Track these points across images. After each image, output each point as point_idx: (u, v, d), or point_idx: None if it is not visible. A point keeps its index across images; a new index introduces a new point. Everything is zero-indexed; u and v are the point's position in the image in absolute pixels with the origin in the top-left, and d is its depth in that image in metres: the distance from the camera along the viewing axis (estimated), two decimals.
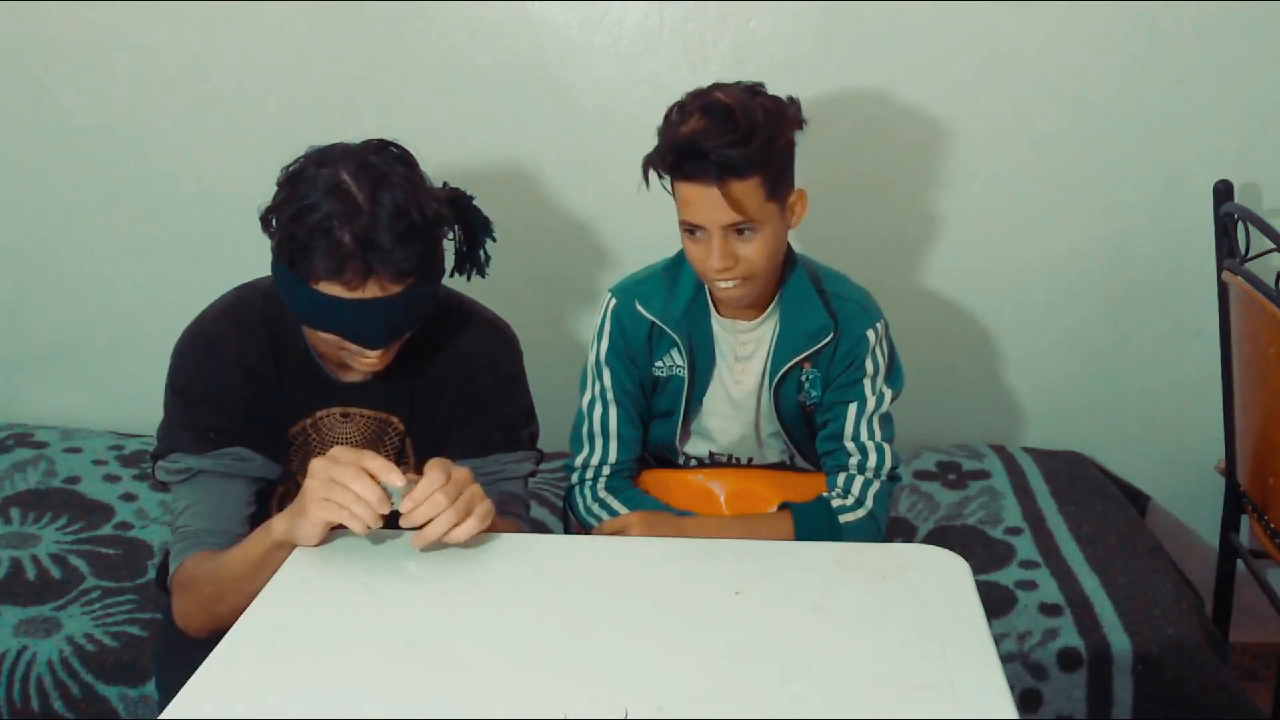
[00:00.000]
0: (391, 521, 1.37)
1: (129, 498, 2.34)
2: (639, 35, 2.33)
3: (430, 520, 1.33)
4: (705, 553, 1.44)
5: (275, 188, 1.48)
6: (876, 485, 1.78)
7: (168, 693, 1.36)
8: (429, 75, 2.37)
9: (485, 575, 1.35)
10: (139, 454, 2.48)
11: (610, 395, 1.81)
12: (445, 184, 1.57)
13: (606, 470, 1.83)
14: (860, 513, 1.77)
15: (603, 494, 1.82)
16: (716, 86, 1.66)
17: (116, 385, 2.63)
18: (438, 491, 1.33)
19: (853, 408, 1.77)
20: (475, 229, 1.60)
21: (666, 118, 1.66)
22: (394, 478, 1.33)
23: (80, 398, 2.63)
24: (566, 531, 1.99)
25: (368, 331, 1.47)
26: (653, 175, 1.67)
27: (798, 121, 1.68)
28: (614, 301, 1.82)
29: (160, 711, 1.14)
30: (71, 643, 1.91)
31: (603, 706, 1.11)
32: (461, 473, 1.38)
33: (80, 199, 2.50)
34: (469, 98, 2.37)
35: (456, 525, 1.34)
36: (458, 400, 1.65)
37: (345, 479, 1.32)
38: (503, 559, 1.38)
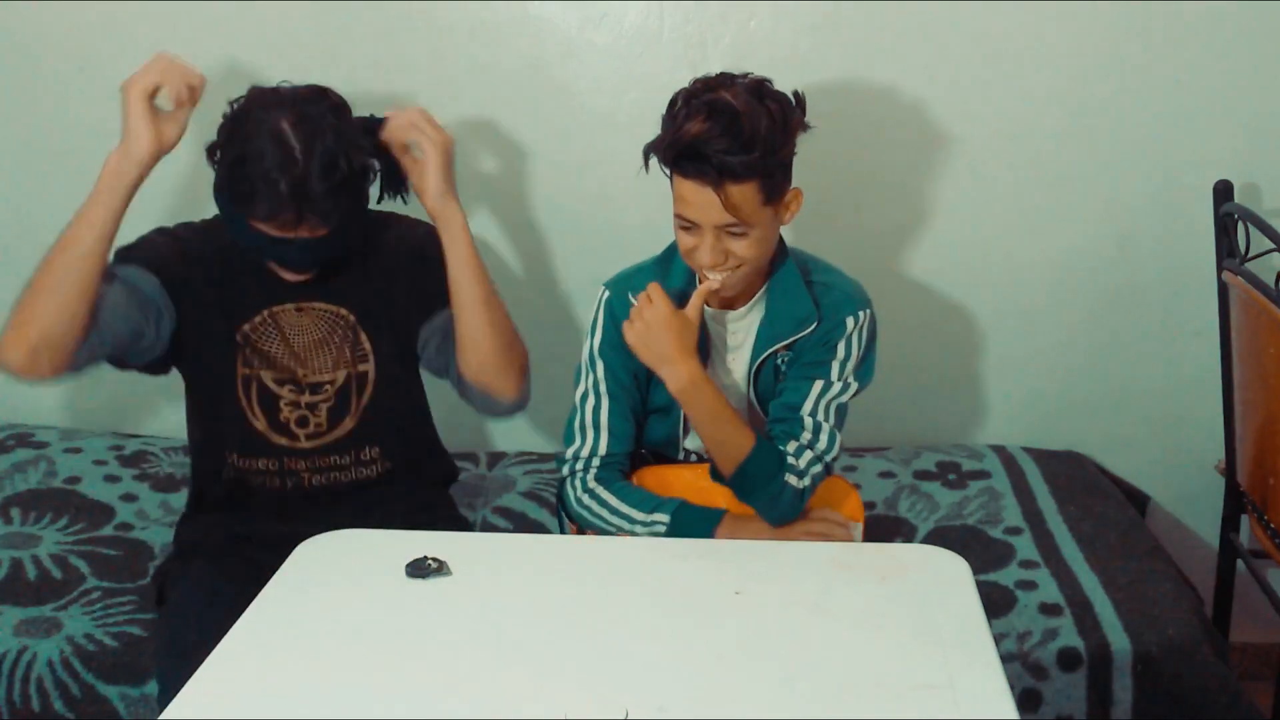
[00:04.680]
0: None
1: (129, 498, 2.34)
2: (639, 35, 2.33)
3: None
4: (705, 553, 1.44)
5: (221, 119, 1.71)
6: (818, 468, 1.77)
7: (167, 693, 1.36)
8: (429, 75, 2.36)
9: (485, 575, 1.35)
10: (139, 454, 2.48)
11: (603, 388, 1.82)
12: (371, 115, 1.78)
13: (596, 462, 1.82)
14: (801, 483, 1.74)
15: (592, 484, 1.81)
16: (723, 80, 1.66)
17: (116, 385, 2.62)
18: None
19: (818, 384, 1.77)
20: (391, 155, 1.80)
21: (671, 104, 1.67)
22: None
23: (80, 398, 2.63)
24: (560, 530, 1.98)
25: (296, 261, 1.73)
26: (652, 160, 1.68)
27: (801, 125, 1.68)
28: (607, 294, 1.82)
29: (160, 711, 1.15)
30: (72, 643, 1.90)
31: (603, 706, 1.12)
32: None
33: (80, 199, 2.49)
34: (469, 98, 2.37)
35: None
36: (399, 276, 1.84)
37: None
38: (503, 559, 1.39)
